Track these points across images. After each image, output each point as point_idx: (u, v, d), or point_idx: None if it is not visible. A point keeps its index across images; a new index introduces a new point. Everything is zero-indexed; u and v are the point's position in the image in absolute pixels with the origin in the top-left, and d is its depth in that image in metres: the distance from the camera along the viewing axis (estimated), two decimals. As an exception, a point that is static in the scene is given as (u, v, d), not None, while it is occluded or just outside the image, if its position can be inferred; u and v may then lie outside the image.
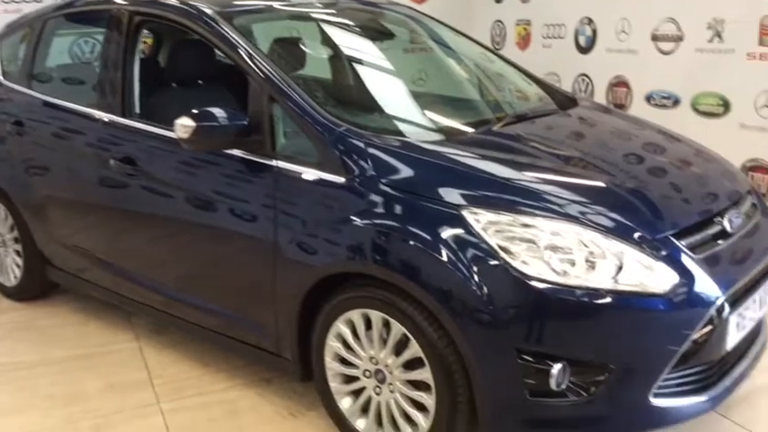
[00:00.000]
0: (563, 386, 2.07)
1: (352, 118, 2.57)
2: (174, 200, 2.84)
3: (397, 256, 2.22)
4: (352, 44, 3.41)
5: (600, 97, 5.30)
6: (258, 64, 2.61)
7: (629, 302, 2.06)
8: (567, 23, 5.58)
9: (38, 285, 3.73)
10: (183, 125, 2.48)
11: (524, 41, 6.09)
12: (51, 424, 2.73)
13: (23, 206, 3.56)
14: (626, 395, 2.10)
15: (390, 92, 2.96)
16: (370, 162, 2.37)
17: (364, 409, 2.45)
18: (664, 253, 2.13)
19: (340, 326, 2.41)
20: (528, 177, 2.35)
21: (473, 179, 2.31)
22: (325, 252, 2.38)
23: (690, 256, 2.16)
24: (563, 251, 2.09)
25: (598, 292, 2.04)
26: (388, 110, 2.83)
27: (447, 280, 2.11)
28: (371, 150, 2.39)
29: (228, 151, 2.60)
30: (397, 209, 2.27)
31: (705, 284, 2.13)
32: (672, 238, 2.18)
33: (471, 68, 3.54)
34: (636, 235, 2.15)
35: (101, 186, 3.11)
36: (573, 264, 2.07)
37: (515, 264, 2.07)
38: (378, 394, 2.39)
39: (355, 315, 2.37)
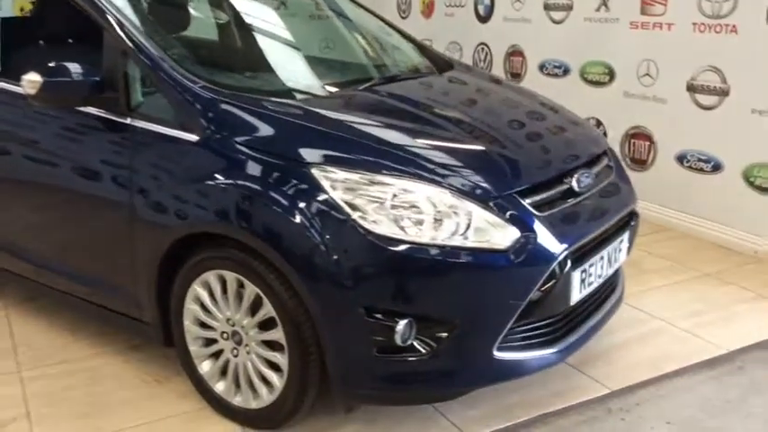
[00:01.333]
0: (409, 342, 2.09)
1: (212, 76, 2.51)
2: (34, 162, 2.72)
3: (248, 216, 2.19)
4: (235, 5, 3.34)
5: (498, 67, 5.34)
6: (112, 18, 2.51)
7: (473, 259, 2.08)
8: (467, -8, 5.59)
9: None
10: (31, 80, 2.37)
11: (429, 10, 6.08)
12: None
13: None
14: (470, 349, 2.14)
15: (260, 52, 2.91)
16: (225, 121, 2.32)
17: (223, 372, 2.42)
18: (509, 211, 2.16)
19: (197, 288, 2.37)
20: (383, 136, 2.34)
21: (326, 138, 2.28)
22: (180, 213, 2.32)
23: (534, 214, 2.19)
24: (412, 210, 2.10)
25: (444, 250, 2.06)
26: (254, 70, 2.79)
27: (296, 239, 2.09)
28: (227, 108, 2.34)
29: (83, 109, 2.50)
30: (251, 168, 2.23)
31: (547, 241, 2.16)
32: (517, 197, 2.21)
33: (353, 32, 3.50)
34: (483, 194, 2.17)
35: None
36: (420, 222, 2.08)
37: (364, 223, 2.06)
38: (235, 356, 2.36)
39: (211, 277, 2.32)
